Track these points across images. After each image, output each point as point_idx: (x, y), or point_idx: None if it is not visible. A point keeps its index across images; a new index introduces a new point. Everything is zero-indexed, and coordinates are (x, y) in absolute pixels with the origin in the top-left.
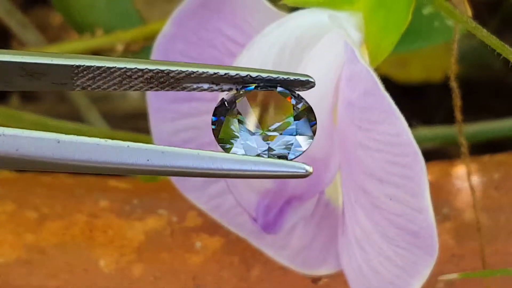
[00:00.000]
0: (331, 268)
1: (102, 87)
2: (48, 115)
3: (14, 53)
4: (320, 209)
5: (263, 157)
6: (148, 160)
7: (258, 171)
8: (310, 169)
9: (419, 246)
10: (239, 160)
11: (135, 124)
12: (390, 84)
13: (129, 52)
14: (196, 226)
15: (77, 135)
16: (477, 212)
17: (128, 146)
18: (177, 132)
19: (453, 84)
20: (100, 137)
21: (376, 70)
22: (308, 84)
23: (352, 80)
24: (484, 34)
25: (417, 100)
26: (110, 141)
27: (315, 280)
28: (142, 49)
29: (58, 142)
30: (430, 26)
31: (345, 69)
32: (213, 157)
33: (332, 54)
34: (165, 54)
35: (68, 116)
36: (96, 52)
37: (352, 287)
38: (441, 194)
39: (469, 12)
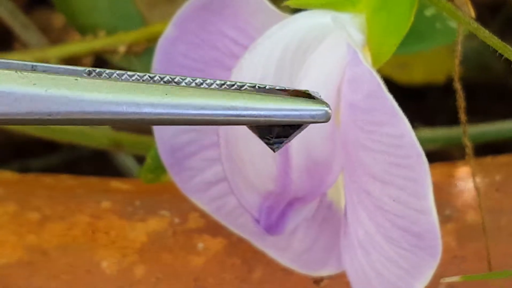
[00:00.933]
0: (333, 270)
1: None
2: None
3: None
4: (322, 211)
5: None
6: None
7: (271, 113)
8: (329, 111)
9: (422, 248)
10: (251, 100)
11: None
12: (392, 86)
13: (131, 53)
14: (198, 228)
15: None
16: (482, 214)
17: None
18: (179, 134)
19: (457, 86)
20: (103, 139)
21: (378, 72)
22: None
23: (355, 82)
24: (486, 36)
25: (419, 102)
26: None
27: (317, 281)
28: (144, 50)
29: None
30: (432, 28)
31: (347, 71)
32: (225, 95)
33: (335, 55)
34: (167, 56)
35: None
36: (98, 54)
37: None
38: (443, 196)
39: (472, 14)
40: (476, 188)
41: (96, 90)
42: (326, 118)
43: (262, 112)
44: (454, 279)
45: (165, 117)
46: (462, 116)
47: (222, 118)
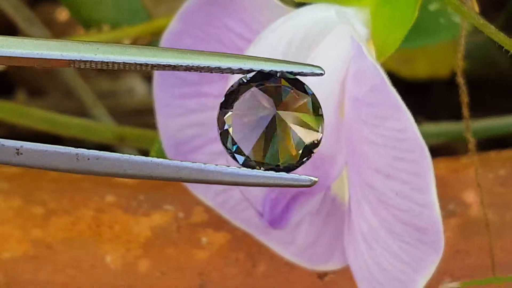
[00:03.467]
0: (337, 264)
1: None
2: (54, 111)
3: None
4: (326, 205)
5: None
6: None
7: (260, 183)
8: (315, 179)
9: (425, 242)
10: (242, 174)
11: (141, 119)
12: (396, 81)
13: None
14: (202, 222)
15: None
16: (485, 209)
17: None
18: (184, 128)
19: (460, 80)
20: (107, 133)
21: (382, 66)
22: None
23: (359, 75)
24: (491, 30)
25: (422, 97)
26: (128, 156)
27: (321, 275)
28: (149, 44)
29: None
30: (436, 23)
31: (352, 65)
32: (216, 171)
33: (339, 49)
34: None
35: (75, 111)
36: None
37: (358, 282)
38: (446, 190)
39: (477, 8)
40: (478, 184)
41: None
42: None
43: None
44: (454, 285)
45: None
46: (465, 111)
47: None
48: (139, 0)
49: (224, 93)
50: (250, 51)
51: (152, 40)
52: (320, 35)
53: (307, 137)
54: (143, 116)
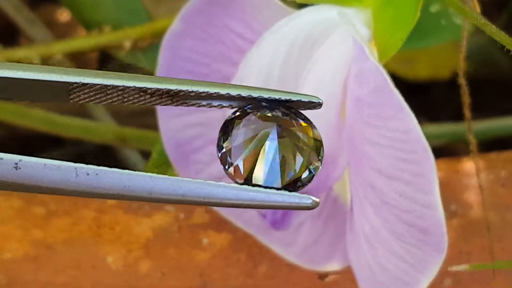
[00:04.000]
0: (338, 264)
1: (101, 102)
2: (55, 112)
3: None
4: (328, 205)
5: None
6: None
7: (261, 202)
8: (317, 200)
9: (428, 243)
10: (243, 190)
11: (143, 120)
12: (397, 81)
13: (137, 48)
14: (203, 223)
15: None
16: (487, 209)
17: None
18: (184, 128)
19: (462, 81)
20: (108, 134)
21: (383, 67)
22: (312, 104)
23: (361, 76)
24: (493, 31)
25: (423, 98)
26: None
27: (323, 276)
28: (150, 45)
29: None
30: (437, 24)
31: (354, 65)
32: (217, 185)
33: (341, 50)
34: (173, 51)
35: (75, 112)
36: (104, 49)
37: (360, 283)
38: (448, 191)
39: (478, 9)
40: (480, 185)
41: None
42: (313, 206)
43: (253, 203)
44: (462, 268)
45: None
46: (467, 112)
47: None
48: (139, 1)
49: (225, 119)
50: (252, 52)
51: (153, 42)
52: (322, 36)
53: (306, 163)
54: (144, 116)
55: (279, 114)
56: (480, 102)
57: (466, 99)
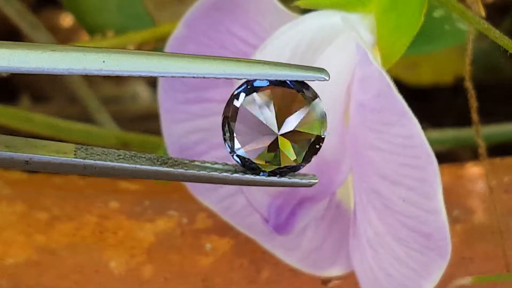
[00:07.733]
0: (341, 270)
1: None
2: (58, 117)
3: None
4: (331, 210)
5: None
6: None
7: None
8: (315, 179)
9: (432, 248)
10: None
11: (146, 125)
12: (400, 87)
13: None
14: (206, 228)
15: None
16: (495, 214)
17: None
18: (188, 134)
19: (468, 85)
20: (111, 139)
21: (387, 72)
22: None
23: (365, 82)
24: (497, 36)
25: (427, 103)
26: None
27: (325, 281)
28: (153, 50)
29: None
30: (441, 30)
31: (357, 71)
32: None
33: (345, 56)
34: None
35: (79, 117)
36: None
37: None
38: (451, 197)
39: (483, 13)
40: (489, 188)
41: None
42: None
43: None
44: (466, 280)
45: None
46: (474, 115)
47: None
48: (143, 6)
49: (228, 98)
50: (256, 57)
51: (156, 46)
52: (325, 41)
53: (311, 138)
54: (147, 121)
55: (285, 90)
56: (483, 107)
57: (473, 103)
